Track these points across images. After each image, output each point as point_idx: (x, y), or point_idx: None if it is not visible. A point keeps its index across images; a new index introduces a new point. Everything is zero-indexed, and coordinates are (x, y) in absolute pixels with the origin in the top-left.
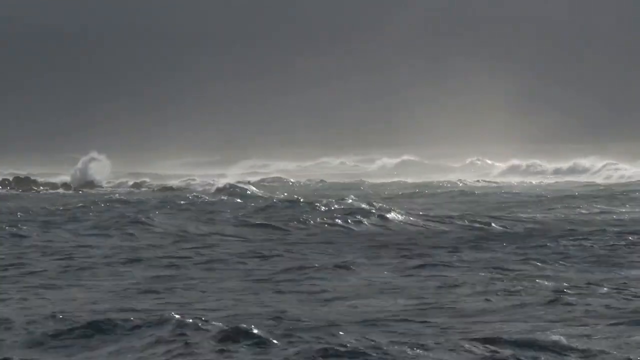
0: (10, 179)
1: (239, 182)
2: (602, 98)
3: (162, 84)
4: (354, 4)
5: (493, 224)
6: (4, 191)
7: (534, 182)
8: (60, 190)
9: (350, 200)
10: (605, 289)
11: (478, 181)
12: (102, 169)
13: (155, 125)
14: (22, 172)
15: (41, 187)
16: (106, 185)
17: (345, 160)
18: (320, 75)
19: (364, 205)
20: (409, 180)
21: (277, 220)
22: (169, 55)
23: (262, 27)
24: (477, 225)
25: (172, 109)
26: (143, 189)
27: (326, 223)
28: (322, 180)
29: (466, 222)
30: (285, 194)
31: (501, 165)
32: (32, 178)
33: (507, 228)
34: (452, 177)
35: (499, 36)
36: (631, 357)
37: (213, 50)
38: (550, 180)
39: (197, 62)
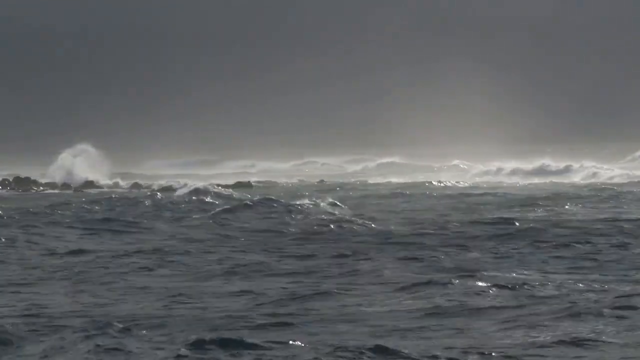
0: (10, 179)
1: (238, 182)
2: (591, 99)
3: (161, 84)
4: (354, 4)
5: (493, 225)
6: (4, 191)
7: (528, 183)
8: (59, 191)
9: (341, 201)
10: (616, 294)
11: (472, 184)
12: (99, 168)
13: (154, 124)
14: (22, 172)
15: (41, 187)
16: (104, 184)
17: (330, 161)
18: (320, 76)
19: (357, 207)
20: (398, 180)
21: (275, 222)
22: (169, 55)
23: (262, 27)
24: (478, 226)
25: (171, 108)
26: (142, 190)
27: (323, 224)
28: (321, 181)
29: (467, 223)
30: (281, 195)
31: (492, 166)
32: (32, 178)
33: (508, 229)
34: (443, 177)
35: (494, 37)
36: None
37: (213, 50)
38: (540, 180)
39: (197, 62)
